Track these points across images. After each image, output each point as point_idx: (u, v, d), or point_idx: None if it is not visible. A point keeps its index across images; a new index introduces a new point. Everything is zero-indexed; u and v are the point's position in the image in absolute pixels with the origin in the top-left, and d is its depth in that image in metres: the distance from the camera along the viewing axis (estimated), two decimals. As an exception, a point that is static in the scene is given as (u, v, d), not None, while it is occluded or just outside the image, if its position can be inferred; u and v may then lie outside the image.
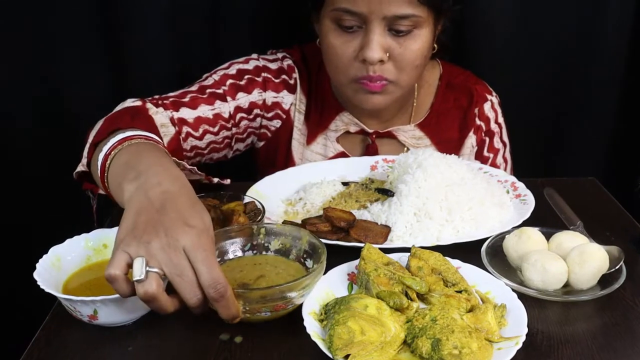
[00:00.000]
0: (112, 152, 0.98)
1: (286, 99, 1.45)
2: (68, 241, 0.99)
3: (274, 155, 1.51)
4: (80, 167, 1.15)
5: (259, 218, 1.10)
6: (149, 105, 1.27)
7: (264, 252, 1.02)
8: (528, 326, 0.87)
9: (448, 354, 0.81)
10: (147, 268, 0.79)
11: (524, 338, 0.85)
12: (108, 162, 0.98)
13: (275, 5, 1.69)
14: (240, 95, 1.40)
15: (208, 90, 1.37)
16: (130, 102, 1.26)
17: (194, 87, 1.38)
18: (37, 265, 0.92)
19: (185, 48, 1.69)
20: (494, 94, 1.53)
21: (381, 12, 1.22)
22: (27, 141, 1.72)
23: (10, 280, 1.75)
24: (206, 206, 1.12)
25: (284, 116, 1.46)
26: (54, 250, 0.97)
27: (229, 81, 1.39)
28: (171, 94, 1.35)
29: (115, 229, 1.00)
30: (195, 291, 0.80)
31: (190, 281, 0.80)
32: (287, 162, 1.48)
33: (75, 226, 1.04)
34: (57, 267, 0.95)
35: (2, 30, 1.61)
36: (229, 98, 1.38)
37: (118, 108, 1.23)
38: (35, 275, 0.90)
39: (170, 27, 1.66)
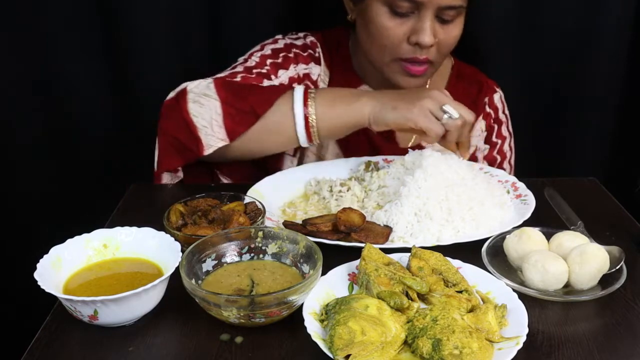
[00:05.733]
0: (309, 103, 1.28)
1: (314, 70, 1.50)
2: (68, 241, 0.99)
3: None
4: (222, 142, 1.28)
5: (260, 218, 1.10)
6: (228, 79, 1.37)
7: (261, 256, 1.02)
8: (529, 326, 0.87)
9: (449, 354, 0.81)
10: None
11: (524, 338, 0.85)
12: (310, 109, 1.27)
13: (275, 5, 1.69)
14: (280, 72, 1.45)
15: (255, 71, 1.42)
16: (210, 80, 1.32)
17: (240, 69, 1.42)
18: (38, 265, 0.92)
19: (185, 48, 1.69)
20: (499, 89, 1.57)
21: (437, 2, 1.28)
22: (27, 141, 1.72)
23: (10, 280, 1.75)
24: (206, 206, 1.13)
25: (312, 86, 1.50)
26: (54, 250, 0.97)
27: (269, 61, 1.45)
28: (220, 74, 1.38)
29: (116, 229, 1.01)
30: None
31: (455, 122, 1.22)
32: None
33: (75, 226, 1.04)
34: (57, 267, 0.95)
35: (1, 30, 1.61)
36: (272, 76, 1.44)
37: (202, 88, 1.30)
38: (36, 275, 0.90)
39: (170, 26, 1.66)
